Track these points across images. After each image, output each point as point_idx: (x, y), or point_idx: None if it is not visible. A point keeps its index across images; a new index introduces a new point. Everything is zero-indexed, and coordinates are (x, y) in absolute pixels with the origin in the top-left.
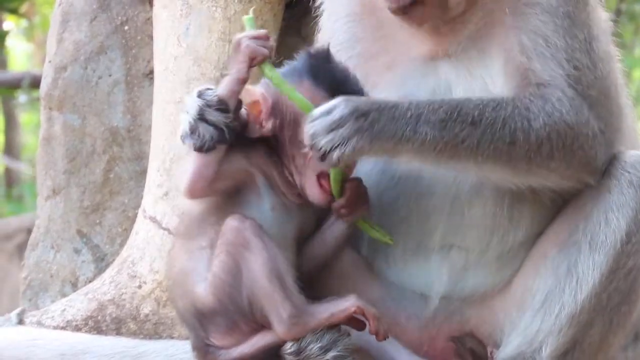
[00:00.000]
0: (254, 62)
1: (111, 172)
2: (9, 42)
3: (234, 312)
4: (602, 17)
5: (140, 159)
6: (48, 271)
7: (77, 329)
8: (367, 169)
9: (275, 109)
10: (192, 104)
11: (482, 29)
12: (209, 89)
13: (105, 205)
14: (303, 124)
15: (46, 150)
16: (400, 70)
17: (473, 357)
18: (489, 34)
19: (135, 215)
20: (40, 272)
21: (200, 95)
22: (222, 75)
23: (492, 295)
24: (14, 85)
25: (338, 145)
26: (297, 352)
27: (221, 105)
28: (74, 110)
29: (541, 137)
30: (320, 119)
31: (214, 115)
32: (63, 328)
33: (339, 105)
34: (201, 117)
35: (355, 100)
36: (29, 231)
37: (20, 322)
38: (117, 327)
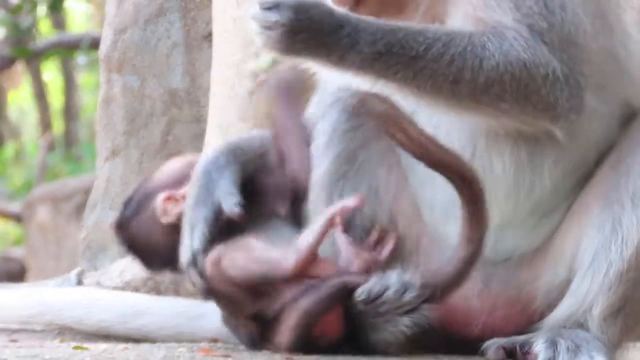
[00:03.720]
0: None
1: (170, 134)
2: (68, 3)
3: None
4: None
5: (199, 121)
6: (107, 232)
7: (136, 289)
8: None
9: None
10: (192, 240)
11: (435, 5)
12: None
13: None
14: None
15: (105, 112)
16: None
17: None
18: (443, 7)
19: None
20: (99, 232)
21: (191, 245)
22: None
23: (538, 256)
24: (73, 46)
25: (263, 26)
26: (368, 300)
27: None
28: (134, 72)
29: (491, 78)
30: None
31: (194, 275)
32: (122, 289)
33: None
34: (194, 264)
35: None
36: (87, 192)
37: (79, 282)
38: (176, 288)
